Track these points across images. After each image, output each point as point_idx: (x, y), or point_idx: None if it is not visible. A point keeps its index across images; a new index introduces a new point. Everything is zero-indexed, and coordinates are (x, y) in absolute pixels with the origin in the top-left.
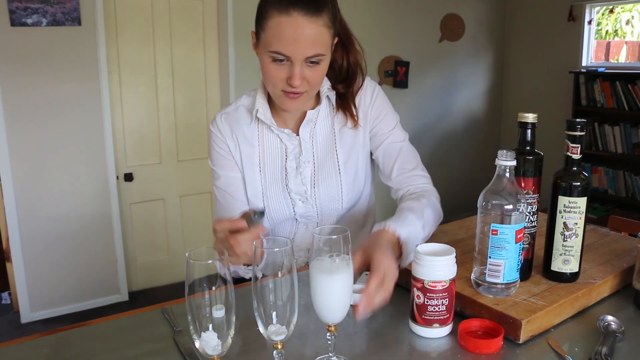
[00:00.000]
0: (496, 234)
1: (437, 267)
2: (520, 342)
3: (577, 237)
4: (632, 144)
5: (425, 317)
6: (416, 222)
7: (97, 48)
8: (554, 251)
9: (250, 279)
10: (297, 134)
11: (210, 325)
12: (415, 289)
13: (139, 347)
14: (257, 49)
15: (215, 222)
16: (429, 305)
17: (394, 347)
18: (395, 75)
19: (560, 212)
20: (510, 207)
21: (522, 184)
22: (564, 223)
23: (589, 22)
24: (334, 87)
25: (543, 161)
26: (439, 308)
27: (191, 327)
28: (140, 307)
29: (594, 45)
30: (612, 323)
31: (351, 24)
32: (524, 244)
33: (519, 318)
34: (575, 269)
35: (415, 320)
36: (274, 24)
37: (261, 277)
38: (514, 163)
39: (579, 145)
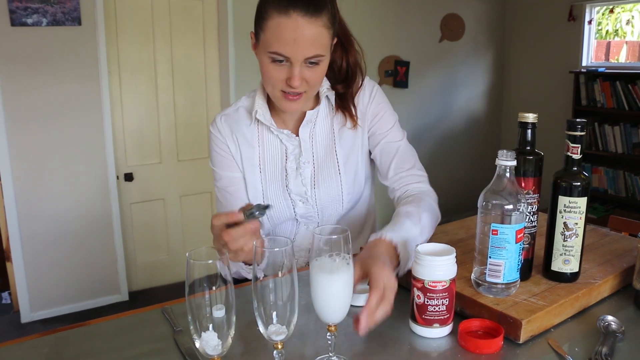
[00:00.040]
0: (496, 234)
1: (438, 267)
2: (521, 342)
3: (577, 237)
4: (632, 144)
5: (426, 317)
6: (413, 229)
7: (97, 48)
8: (554, 251)
9: (251, 279)
10: (297, 135)
11: (211, 325)
12: (415, 289)
13: (139, 347)
14: (256, 50)
15: (213, 217)
16: (429, 305)
17: (394, 347)
18: (396, 75)
19: (560, 212)
20: (510, 207)
21: (523, 184)
22: (564, 223)
23: (589, 22)
24: (333, 87)
25: (543, 161)
26: (439, 308)
27: (191, 327)
28: (141, 307)
29: (594, 45)
30: (612, 323)
31: (351, 24)
32: (524, 244)
33: (519, 318)
34: (576, 269)
35: (415, 320)
36: (274, 25)
37: (262, 277)
38: (514, 163)
39: (579, 145)
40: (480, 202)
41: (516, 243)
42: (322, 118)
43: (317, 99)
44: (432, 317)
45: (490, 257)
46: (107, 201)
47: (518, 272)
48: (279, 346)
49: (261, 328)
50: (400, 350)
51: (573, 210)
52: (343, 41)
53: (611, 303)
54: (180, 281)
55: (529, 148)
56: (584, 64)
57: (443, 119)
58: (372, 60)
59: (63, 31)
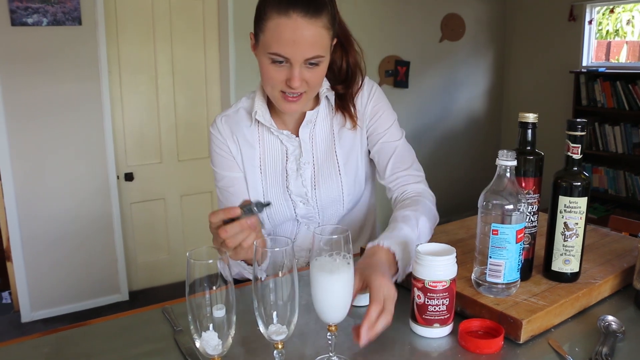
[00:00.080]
0: (497, 234)
1: (438, 267)
2: (521, 342)
3: (577, 237)
4: (633, 144)
5: (426, 317)
6: (411, 234)
7: (98, 48)
8: (554, 251)
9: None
10: (297, 135)
11: (211, 325)
12: (415, 289)
13: (140, 346)
14: (255, 51)
15: (210, 215)
16: (430, 305)
17: (395, 347)
18: (396, 75)
19: (560, 212)
20: (510, 207)
21: (523, 184)
22: (565, 223)
23: (590, 22)
24: (333, 87)
25: (543, 161)
26: (439, 308)
27: (192, 327)
28: (141, 307)
29: (595, 45)
30: (613, 323)
31: (351, 24)
32: (524, 244)
33: (520, 318)
34: (576, 269)
35: (415, 320)
36: (273, 26)
37: (265, 278)
38: (515, 163)
39: (580, 145)
40: (480, 202)
41: (516, 243)
42: (321, 118)
43: (316, 99)
44: (432, 317)
45: (490, 257)
46: (107, 201)
47: (518, 272)
48: (279, 346)
49: (261, 328)
50: (401, 350)
51: (573, 210)
52: (343, 42)
53: (611, 303)
54: (180, 281)
55: (529, 148)
56: (584, 64)
57: (443, 119)
58: (372, 60)
59: (63, 31)
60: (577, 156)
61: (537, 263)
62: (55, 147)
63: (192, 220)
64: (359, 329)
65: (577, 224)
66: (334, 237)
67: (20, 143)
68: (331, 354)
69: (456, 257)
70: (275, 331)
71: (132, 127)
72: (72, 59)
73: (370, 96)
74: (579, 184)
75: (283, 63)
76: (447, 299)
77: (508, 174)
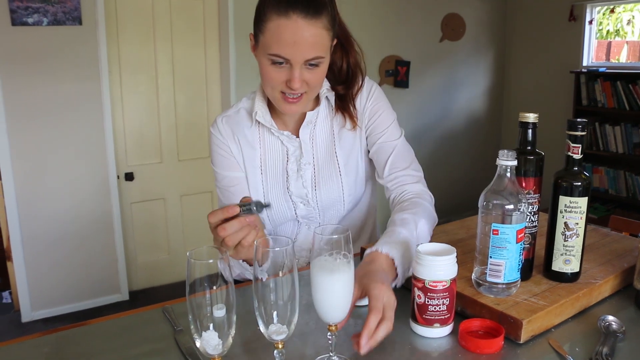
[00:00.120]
0: (497, 234)
1: (438, 266)
2: (521, 342)
3: (578, 237)
4: (633, 144)
5: (426, 316)
6: (409, 238)
7: (98, 47)
8: (554, 251)
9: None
10: (297, 136)
11: (211, 325)
12: (416, 289)
13: (140, 346)
14: (255, 52)
15: (209, 215)
16: (430, 305)
17: (395, 347)
18: (396, 74)
19: (561, 212)
20: (511, 207)
21: (523, 184)
22: (565, 223)
23: (590, 22)
24: (333, 88)
25: (544, 161)
26: (439, 308)
27: (192, 327)
28: (141, 307)
29: (595, 45)
30: (613, 323)
31: (351, 24)
32: (524, 244)
33: (520, 318)
34: (576, 269)
35: (416, 320)
36: (273, 27)
37: (266, 278)
38: (515, 163)
39: (580, 145)
40: (481, 202)
41: (517, 243)
42: (322, 119)
43: (316, 100)
44: (432, 317)
45: (490, 257)
46: (107, 201)
47: (519, 272)
48: (280, 346)
49: (262, 328)
50: (401, 350)
51: (574, 210)
52: (343, 42)
53: (612, 303)
54: (180, 281)
55: (529, 148)
56: (584, 63)
57: (443, 119)
58: (372, 60)
59: (64, 31)
60: (578, 156)
61: (537, 263)
62: (55, 147)
63: (192, 220)
64: (359, 337)
65: (577, 224)
66: (334, 237)
67: (21, 143)
68: (331, 354)
69: (456, 257)
70: (276, 331)
71: (132, 126)
72: (72, 58)
73: (370, 96)
74: (580, 184)
75: (283, 64)
76: (448, 299)
77: (508, 174)
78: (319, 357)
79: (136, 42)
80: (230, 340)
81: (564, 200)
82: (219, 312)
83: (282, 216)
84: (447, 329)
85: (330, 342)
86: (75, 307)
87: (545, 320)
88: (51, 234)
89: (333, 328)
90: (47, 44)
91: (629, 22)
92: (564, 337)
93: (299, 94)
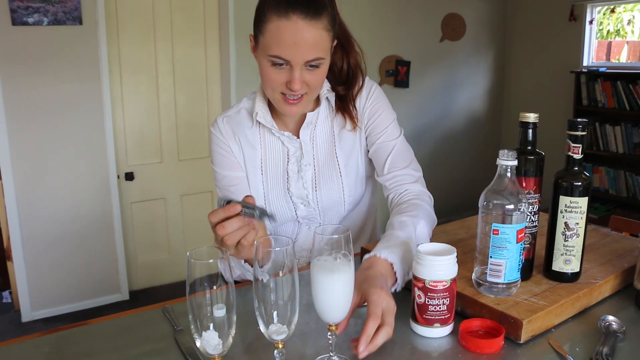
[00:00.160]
0: (497, 234)
1: (438, 266)
2: (521, 342)
3: (578, 237)
4: (633, 144)
5: (426, 316)
6: (408, 242)
7: (98, 47)
8: (555, 251)
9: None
10: (298, 137)
11: (211, 325)
12: (416, 289)
13: (140, 346)
14: (255, 53)
15: (210, 215)
16: (430, 305)
17: (395, 347)
18: (396, 74)
19: (561, 212)
20: (511, 206)
21: (524, 184)
22: (565, 223)
23: (590, 22)
24: (333, 88)
25: (544, 161)
26: (440, 308)
27: (192, 327)
28: (141, 307)
29: (595, 45)
30: (613, 323)
31: (352, 24)
32: (525, 244)
33: (520, 318)
34: (577, 269)
35: (416, 320)
36: (273, 28)
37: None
38: (516, 163)
39: (580, 145)
40: (481, 201)
41: (517, 243)
42: (322, 120)
43: (317, 100)
44: (433, 317)
45: (491, 257)
46: (107, 200)
47: (519, 272)
48: (280, 346)
49: (262, 327)
50: (401, 350)
51: (574, 210)
52: (343, 43)
53: (612, 303)
54: (181, 280)
55: (530, 148)
56: (585, 63)
57: (444, 119)
58: (373, 60)
59: (64, 31)
60: (578, 156)
61: (537, 263)
62: (55, 147)
63: (193, 220)
64: (358, 342)
65: (577, 223)
66: (334, 236)
67: (21, 143)
68: (331, 354)
69: (457, 256)
70: (276, 331)
71: (133, 126)
72: (72, 58)
73: (369, 96)
74: (580, 183)
75: (283, 65)
76: (448, 299)
77: (509, 174)
78: (319, 357)
79: (136, 42)
80: (230, 340)
81: (564, 200)
82: (219, 312)
83: (283, 217)
84: (447, 329)
85: (330, 342)
86: (75, 307)
87: (546, 320)
88: (51, 233)
89: (333, 328)
90: (47, 43)
91: (629, 22)
92: (564, 337)
93: (299, 95)
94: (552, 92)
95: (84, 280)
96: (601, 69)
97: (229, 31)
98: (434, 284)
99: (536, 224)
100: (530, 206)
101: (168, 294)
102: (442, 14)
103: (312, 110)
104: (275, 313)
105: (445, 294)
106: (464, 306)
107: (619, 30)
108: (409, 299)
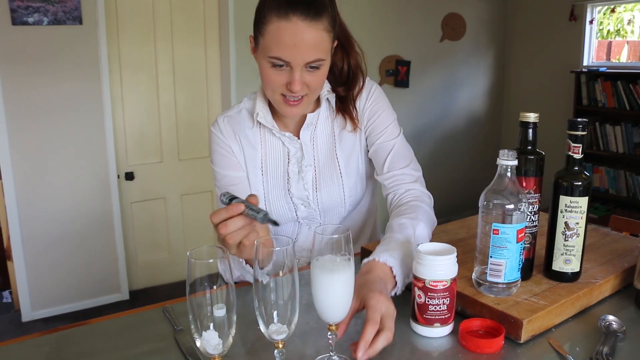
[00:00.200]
0: (497, 234)
1: (438, 266)
2: (522, 341)
3: (578, 236)
4: (633, 144)
5: (427, 316)
6: (408, 245)
7: (98, 47)
8: (555, 251)
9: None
10: (298, 138)
11: (211, 325)
12: (416, 289)
13: (140, 346)
14: (255, 54)
15: (212, 215)
16: (430, 304)
17: (395, 347)
18: (397, 74)
19: (561, 212)
20: (511, 206)
21: (524, 184)
22: (565, 223)
23: (591, 22)
24: (334, 89)
25: (544, 161)
26: (440, 307)
27: (192, 326)
28: (141, 306)
29: (595, 45)
30: (614, 323)
31: (352, 24)
32: (525, 244)
33: (520, 318)
34: (577, 269)
35: (416, 320)
36: (273, 29)
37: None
38: (516, 162)
39: (581, 145)
40: (481, 201)
41: (517, 243)
42: (322, 121)
43: (317, 101)
44: (433, 317)
45: (491, 257)
46: (107, 200)
47: (519, 272)
48: (280, 345)
49: (262, 327)
50: (401, 350)
51: (574, 210)
52: (343, 44)
53: (612, 303)
54: (181, 280)
55: (530, 148)
56: (585, 63)
57: (444, 119)
58: (373, 59)
59: (64, 30)
60: (578, 156)
61: (537, 263)
62: (55, 147)
63: (193, 220)
64: (357, 347)
65: (577, 223)
66: (334, 236)
67: (21, 142)
68: (332, 354)
69: (457, 256)
70: (276, 331)
71: (133, 126)
72: (72, 58)
73: (369, 96)
74: (580, 183)
75: (283, 67)
76: (448, 299)
77: (509, 174)
78: (319, 357)
79: (136, 42)
80: (230, 340)
81: (564, 200)
82: (219, 311)
83: (283, 217)
84: (447, 329)
85: (330, 342)
86: (75, 306)
87: (546, 320)
88: (51, 233)
89: (333, 328)
90: (47, 43)
91: (629, 22)
92: (564, 337)
93: (300, 97)
94: (552, 92)
95: (84, 280)
96: (601, 69)
97: (229, 31)
98: (434, 283)
99: (536, 223)
100: (531, 206)
101: (168, 293)
102: (442, 14)
103: (313, 111)
104: (275, 313)
105: (445, 293)
106: (464, 306)
107: (619, 30)
108: (409, 299)
